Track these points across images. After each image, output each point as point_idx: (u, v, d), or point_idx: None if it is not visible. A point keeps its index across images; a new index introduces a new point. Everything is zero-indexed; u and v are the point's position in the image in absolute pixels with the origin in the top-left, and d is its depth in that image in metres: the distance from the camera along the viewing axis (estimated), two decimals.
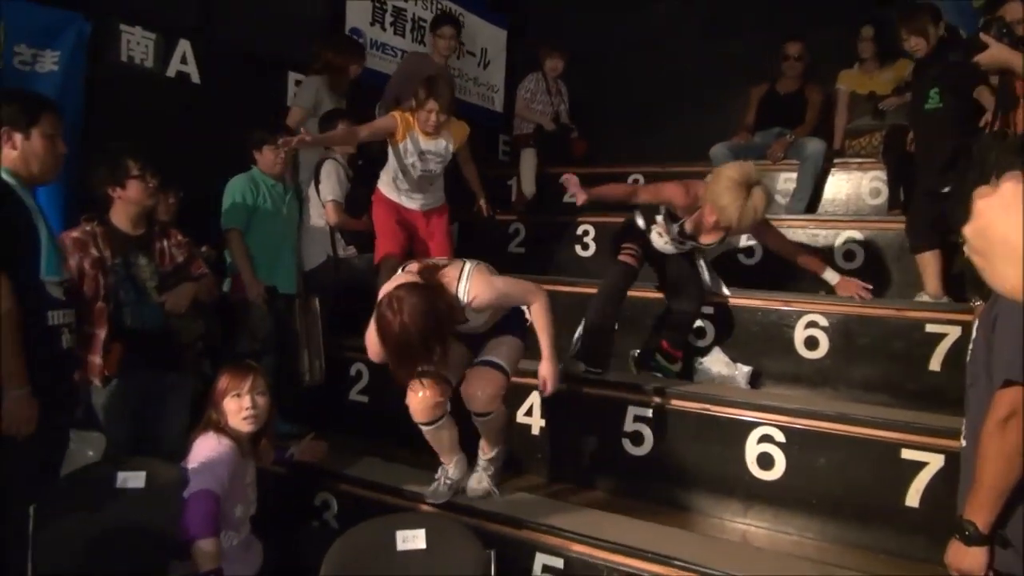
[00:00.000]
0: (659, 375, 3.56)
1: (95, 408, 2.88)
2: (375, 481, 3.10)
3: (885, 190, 4.52)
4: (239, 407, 2.50)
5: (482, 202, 4.52)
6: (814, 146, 4.68)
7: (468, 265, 2.67)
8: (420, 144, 3.83)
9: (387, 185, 4.01)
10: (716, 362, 3.65)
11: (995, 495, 1.63)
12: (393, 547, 1.96)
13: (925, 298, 3.60)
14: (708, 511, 3.05)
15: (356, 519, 3.04)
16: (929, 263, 3.62)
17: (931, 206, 3.53)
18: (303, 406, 3.88)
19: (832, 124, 5.04)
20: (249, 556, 2.53)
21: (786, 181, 4.87)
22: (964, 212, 2.95)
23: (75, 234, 2.88)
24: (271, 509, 2.99)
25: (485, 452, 2.96)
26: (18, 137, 2.41)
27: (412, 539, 1.98)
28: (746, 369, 3.56)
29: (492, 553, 2.06)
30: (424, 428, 2.76)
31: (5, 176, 2.38)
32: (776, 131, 4.96)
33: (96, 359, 2.82)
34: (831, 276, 3.52)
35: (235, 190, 3.71)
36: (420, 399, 2.67)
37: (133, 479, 2.28)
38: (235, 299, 3.69)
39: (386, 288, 2.53)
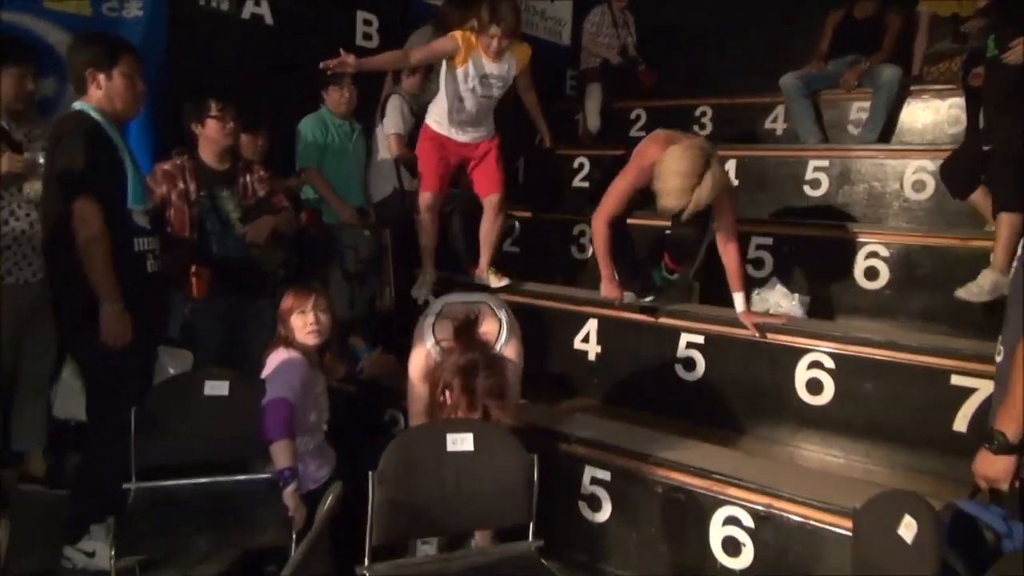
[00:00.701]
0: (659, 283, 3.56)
1: (188, 327, 3.19)
2: None
3: (964, 117, 4.34)
4: (304, 323, 2.68)
5: (543, 133, 4.48)
6: (890, 73, 4.51)
7: (505, 328, 2.67)
8: (484, 67, 3.70)
9: (439, 117, 3.88)
10: (774, 293, 3.67)
11: None
12: (444, 447, 2.12)
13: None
14: (756, 434, 3.14)
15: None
16: (981, 203, 3.46)
17: (971, 159, 3.40)
18: (377, 330, 4.12)
19: (912, 49, 4.84)
20: (323, 460, 2.77)
21: (859, 111, 4.73)
22: (1006, 175, 2.88)
23: (166, 166, 3.14)
24: (343, 425, 3.26)
25: None
26: (101, 77, 2.63)
27: (461, 441, 2.13)
28: (804, 299, 3.58)
29: (535, 457, 2.16)
30: None
31: (93, 113, 2.61)
32: (851, 58, 4.79)
33: (186, 283, 3.09)
34: (739, 303, 3.17)
35: (306, 130, 3.90)
36: None
37: (218, 387, 2.54)
38: (313, 232, 3.90)
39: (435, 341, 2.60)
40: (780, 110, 5.01)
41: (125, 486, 2.44)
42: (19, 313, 2.97)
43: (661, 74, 5.73)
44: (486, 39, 3.59)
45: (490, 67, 3.70)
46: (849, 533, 2.05)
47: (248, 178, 3.31)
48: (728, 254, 3.17)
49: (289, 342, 2.68)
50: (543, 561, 2.17)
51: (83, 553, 2.66)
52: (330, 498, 1.97)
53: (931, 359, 2.78)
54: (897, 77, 4.49)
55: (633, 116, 5.52)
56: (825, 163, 4.23)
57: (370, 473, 2.02)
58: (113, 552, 2.22)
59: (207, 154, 3.21)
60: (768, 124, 5.07)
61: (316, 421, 2.77)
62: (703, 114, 5.31)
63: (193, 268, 3.11)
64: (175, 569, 2.68)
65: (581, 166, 5.26)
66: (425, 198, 3.88)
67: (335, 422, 2.91)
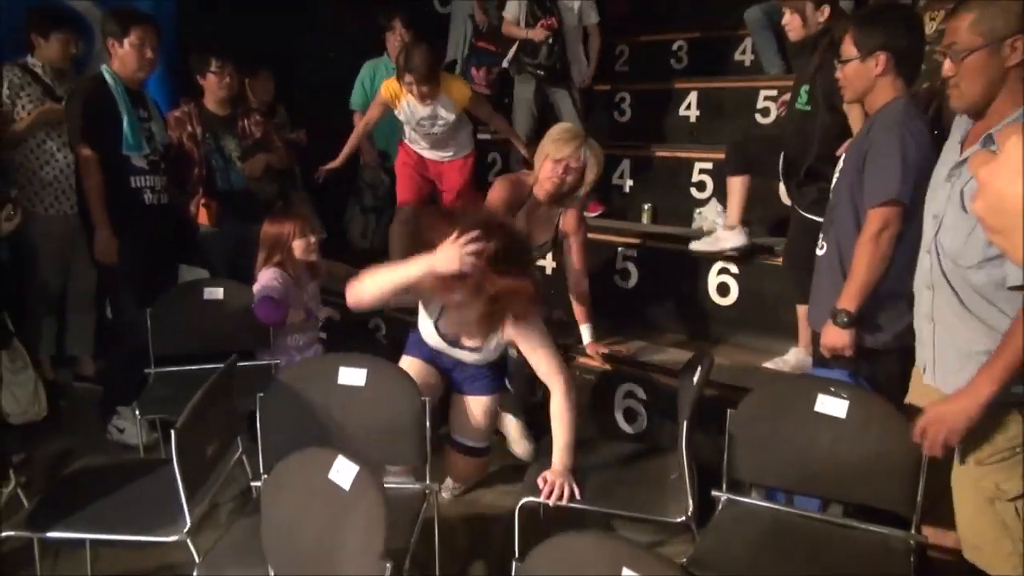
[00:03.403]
0: None
1: (202, 250, 3.85)
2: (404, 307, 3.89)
3: None
4: (306, 244, 3.18)
5: (522, 151, 4.09)
6: (846, 3, 4.77)
7: None
8: (417, 112, 3.75)
9: (407, 137, 4.00)
10: (711, 211, 4.13)
11: (865, 288, 2.09)
12: (334, 379, 2.20)
13: None
14: (677, 330, 3.65)
15: (399, 336, 3.93)
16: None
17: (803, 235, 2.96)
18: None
19: None
20: (309, 354, 3.41)
21: None
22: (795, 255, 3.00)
23: (176, 113, 3.75)
24: (338, 336, 3.90)
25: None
26: (116, 45, 3.27)
27: (352, 376, 2.20)
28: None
29: (427, 401, 2.18)
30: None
31: (107, 75, 3.27)
32: None
33: (198, 211, 3.74)
34: (586, 335, 3.18)
35: (360, 76, 4.47)
36: (462, 475, 2.84)
37: (214, 293, 3.20)
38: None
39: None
40: (749, 42, 5.30)
41: (146, 371, 3.13)
42: (62, 240, 3.66)
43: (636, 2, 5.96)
44: (407, 88, 3.63)
45: (422, 111, 3.74)
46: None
47: (246, 121, 3.89)
48: (578, 285, 3.13)
49: (281, 263, 3.14)
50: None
51: (116, 428, 3.41)
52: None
53: None
54: (852, 6, 4.75)
55: (617, 52, 5.88)
56: (773, 92, 4.58)
57: (257, 396, 2.20)
58: (137, 410, 2.88)
59: (210, 101, 3.80)
60: (738, 56, 5.39)
61: (303, 322, 3.39)
62: (680, 48, 5.64)
63: (203, 200, 3.76)
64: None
65: None
66: (400, 211, 4.05)
67: (328, 329, 3.54)
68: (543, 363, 2.33)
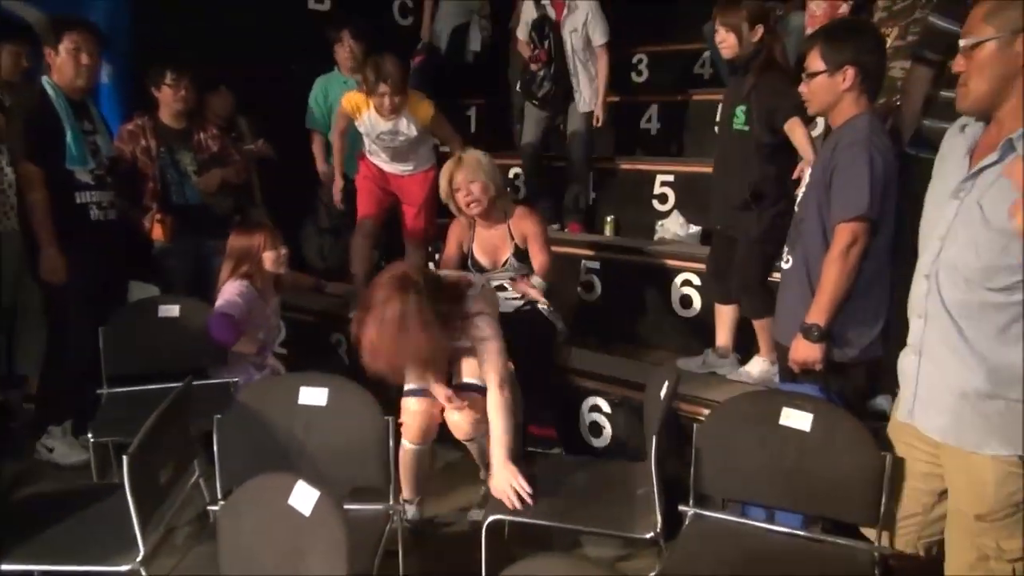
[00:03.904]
0: None
1: (157, 266, 3.75)
2: None
3: None
4: (277, 255, 3.15)
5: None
6: (798, 20, 4.84)
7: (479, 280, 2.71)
8: (378, 126, 3.68)
9: (367, 149, 3.93)
10: (673, 223, 4.16)
11: (835, 303, 2.09)
12: (295, 399, 2.16)
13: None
14: (641, 341, 3.66)
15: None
16: (723, 319, 3.17)
17: (722, 249, 3.12)
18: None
19: None
20: (267, 371, 3.33)
21: None
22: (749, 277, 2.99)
23: (129, 127, 3.65)
24: (300, 351, 3.83)
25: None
26: (52, 53, 3.15)
27: (313, 395, 2.15)
28: (695, 229, 4.06)
29: (390, 420, 2.15)
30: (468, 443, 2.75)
31: (46, 85, 3.15)
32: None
33: (152, 227, 3.64)
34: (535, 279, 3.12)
35: (312, 93, 4.37)
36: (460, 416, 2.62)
37: (170, 310, 3.12)
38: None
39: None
40: (708, 55, 5.37)
41: (98, 391, 3.02)
42: (12, 255, 3.53)
43: None
44: (377, 99, 3.53)
45: (383, 125, 3.67)
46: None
47: (202, 135, 3.80)
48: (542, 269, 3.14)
49: (248, 274, 3.09)
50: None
51: (45, 448, 3.28)
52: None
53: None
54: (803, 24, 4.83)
55: None
56: None
57: (215, 418, 2.15)
58: (91, 436, 2.79)
59: (165, 115, 3.70)
60: (696, 69, 5.45)
61: (264, 337, 3.31)
62: (639, 61, 5.70)
63: (157, 215, 3.66)
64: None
65: None
66: (362, 225, 3.97)
67: (290, 342, 3.48)
68: (485, 355, 2.42)
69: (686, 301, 3.55)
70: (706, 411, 2.64)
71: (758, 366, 3.02)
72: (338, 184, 4.06)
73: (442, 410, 2.63)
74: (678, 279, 3.56)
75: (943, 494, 1.80)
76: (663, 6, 5.55)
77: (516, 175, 4.91)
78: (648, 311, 3.67)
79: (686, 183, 4.22)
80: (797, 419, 1.99)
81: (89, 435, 2.81)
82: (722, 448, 2.08)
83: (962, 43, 1.64)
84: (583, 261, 3.86)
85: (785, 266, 2.36)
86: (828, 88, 2.14)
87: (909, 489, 1.88)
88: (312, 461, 2.16)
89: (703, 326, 3.46)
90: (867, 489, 1.92)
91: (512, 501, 2.17)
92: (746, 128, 2.91)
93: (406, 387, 2.63)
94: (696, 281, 3.51)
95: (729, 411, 2.12)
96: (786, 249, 2.37)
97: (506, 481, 2.21)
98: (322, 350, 4.03)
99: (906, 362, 1.82)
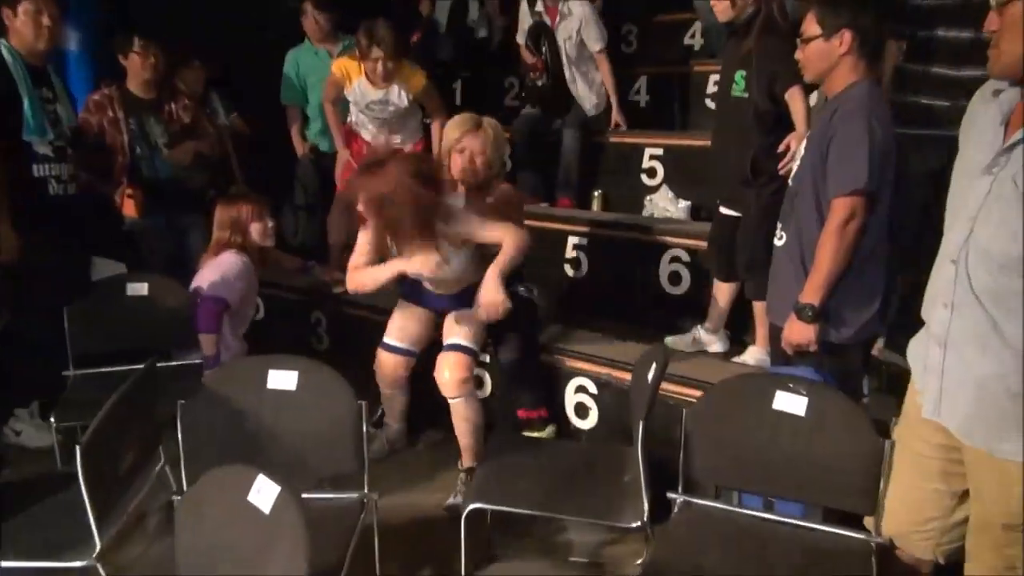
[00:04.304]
0: None
1: (131, 242, 3.61)
2: (352, 300, 3.73)
3: None
4: (264, 227, 3.07)
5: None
6: None
7: None
8: (368, 95, 3.56)
9: (354, 120, 3.81)
10: (662, 198, 4.05)
11: (830, 281, 1.99)
12: (263, 383, 2.05)
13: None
14: (628, 319, 3.54)
15: (341, 330, 3.77)
16: (720, 296, 3.05)
17: (722, 226, 2.99)
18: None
19: None
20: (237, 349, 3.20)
21: None
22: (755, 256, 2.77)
23: (96, 96, 3.48)
24: (279, 324, 3.71)
25: (463, 463, 2.83)
26: (9, 13, 2.96)
27: (283, 379, 2.05)
28: (685, 204, 3.95)
29: (363, 404, 2.05)
30: (452, 401, 2.75)
31: (3, 50, 2.95)
32: None
33: (123, 201, 3.50)
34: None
35: (285, 68, 4.18)
36: (450, 374, 2.70)
37: (138, 288, 2.99)
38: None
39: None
40: (698, 26, 5.22)
41: (64, 373, 2.90)
42: None
43: None
44: (371, 64, 3.43)
45: (373, 94, 3.56)
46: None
47: (174, 106, 3.63)
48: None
49: (242, 246, 3.02)
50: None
51: (13, 431, 3.16)
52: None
53: None
54: None
55: None
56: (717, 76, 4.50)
57: (179, 404, 2.05)
58: (53, 420, 2.70)
59: (134, 84, 3.54)
60: (687, 40, 5.31)
61: (253, 315, 3.24)
62: (628, 32, 5.54)
63: (128, 190, 3.51)
64: None
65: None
66: (339, 201, 3.84)
67: (269, 320, 3.37)
68: (493, 227, 2.65)
69: (675, 278, 3.44)
70: (696, 393, 2.54)
71: (754, 356, 2.91)
72: (343, 156, 3.81)
73: (414, 368, 2.95)
74: (667, 256, 3.45)
75: (964, 495, 1.66)
76: None
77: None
78: (636, 288, 3.56)
79: (676, 157, 4.09)
80: (791, 403, 1.90)
81: (51, 419, 2.70)
82: (713, 433, 1.99)
83: (994, 2, 1.47)
84: (569, 237, 3.74)
85: (778, 243, 2.25)
86: (824, 54, 2.03)
87: (927, 491, 1.71)
88: (281, 448, 2.06)
89: (692, 304, 3.36)
90: (864, 476, 1.83)
91: (495, 313, 2.49)
92: (745, 95, 2.74)
93: (384, 340, 2.93)
94: (685, 258, 3.40)
95: (720, 394, 2.03)
96: (779, 225, 2.26)
97: (495, 291, 2.50)
98: (300, 330, 3.91)
99: (929, 354, 1.63)
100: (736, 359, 2.97)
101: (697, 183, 3.98)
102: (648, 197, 4.09)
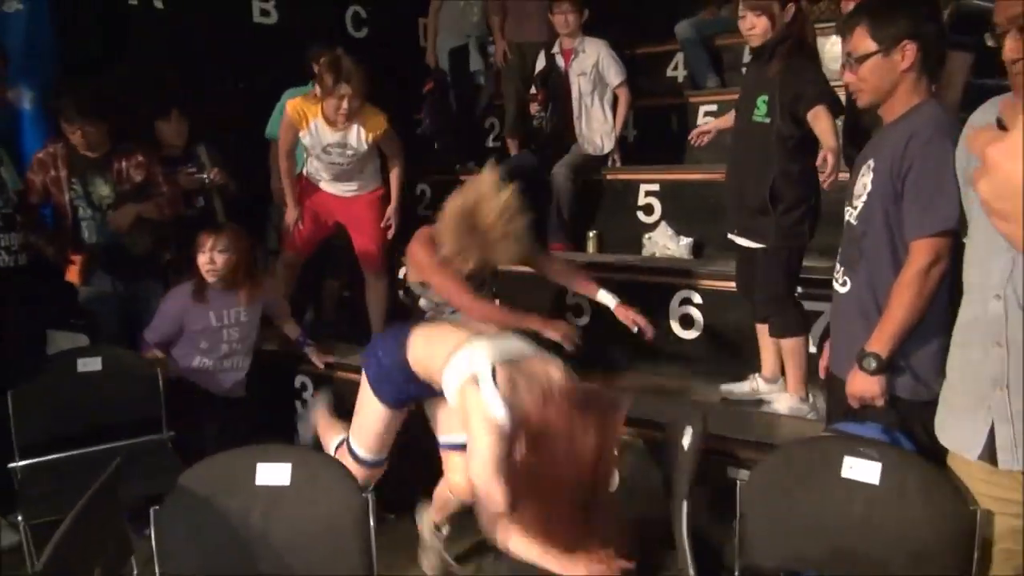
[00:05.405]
0: None
1: (87, 312, 3.28)
2: (341, 364, 3.44)
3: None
4: (204, 261, 2.92)
5: (390, 210, 3.53)
6: None
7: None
8: (325, 138, 3.27)
9: (307, 168, 3.53)
10: (661, 236, 3.83)
11: (903, 331, 1.75)
12: (251, 479, 1.76)
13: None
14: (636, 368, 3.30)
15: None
16: (765, 339, 2.80)
17: (744, 260, 2.80)
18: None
19: None
20: (220, 382, 3.05)
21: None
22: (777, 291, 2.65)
23: (40, 155, 3.18)
24: (258, 388, 3.40)
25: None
26: None
27: (274, 473, 1.76)
28: (687, 241, 3.74)
29: (370, 497, 1.77)
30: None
31: None
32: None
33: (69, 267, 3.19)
34: (608, 299, 2.81)
35: (280, 104, 3.80)
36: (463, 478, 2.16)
37: (90, 363, 2.69)
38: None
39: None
40: (680, 57, 5.09)
41: (11, 465, 2.56)
42: None
43: None
44: (334, 102, 3.13)
45: (331, 136, 3.28)
46: None
47: (124, 163, 3.29)
48: (564, 275, 2.92)
49: (192, 275, 2.96)
50: None
51: None
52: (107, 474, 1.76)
53: None
54: None
55: None
56: (714, 107, 4.35)
57: (151, 511, 1.75)
58: (21, 518, 2.38)
59: (78, 143, 3.21)
60: (669, 72, 5.17)
61: (209, 347, 3.00)
62: None
63: (71, 255, 3.21)
64: None
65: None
66: (284, 256, 3.66)
67: (248, 382, 3.14)
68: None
69: (687, 321, 3.20)
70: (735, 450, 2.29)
71: (785, 403, 2.66)
72: (291, 215, 3.53)
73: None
74: (675, 298, 3.22)
75: None
76: (630, 8, 5.26)
77: None
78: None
79: (672, 192, 3.89)
80: (863, 470, 1.64)
81: (19, 517, 2.39)
82: (772, 508, 1.73)
83: None
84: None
85: (841, 289, 1.97)
86: (884, 71, 1.79)
87: (998, 552, 1.54)
88: (275, 555, 1.76)
89: (710, 348, 3.14)
90: (952, 551, 1.57)
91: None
92: (767, 119, 2.58)
93: (447, 439, 2.30)
94: (697, 299, 3.17)
95: (779, 462, 1.77)
96: (840, 270, 1.98)
97: None
98: (283, 396, 3.59)
99: (991, 397, 1.48)
100: (767, 408, 2.73)
101: (698, 218, 3.80)
102: (647, 235, 3.88)
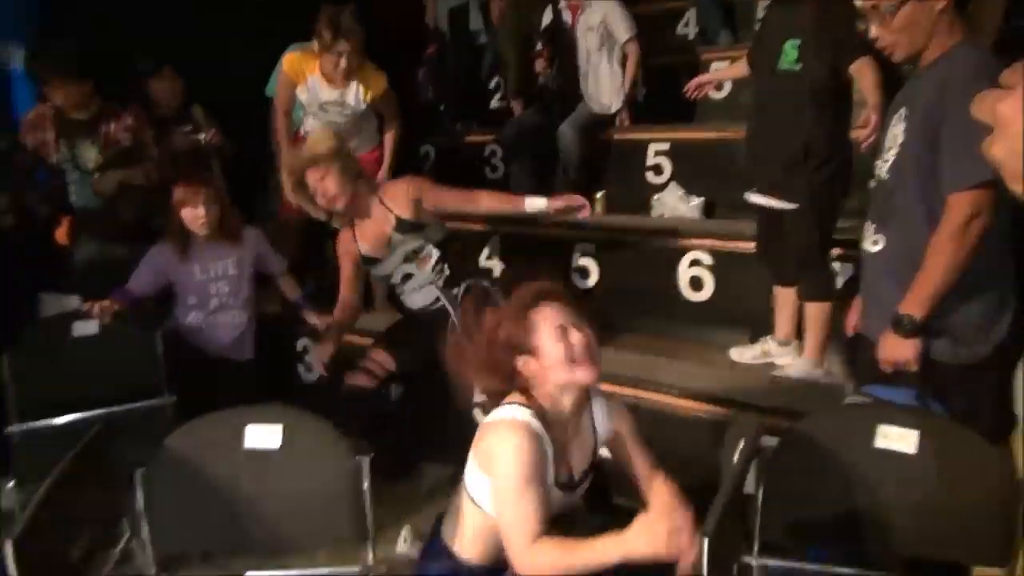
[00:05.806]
0: None
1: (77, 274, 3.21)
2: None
3: None
4: (194, 216, 2.81)
5: (381, 173, 3.46)
6: None
7: None
8: (320, 94, 3.20)
9: (303, 126, 3.48)
10: (671, 196, 3.72)
11: (940, 291, 1.66)
12: (240, 442, 1.69)
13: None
14: (646, 330, 3.22)
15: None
16: (783, 302, 2.73)
17: (768, 221, 2.65)
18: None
19: None
20: (219, 338, 2.96)
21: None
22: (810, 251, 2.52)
23: (30, 116, 3.10)
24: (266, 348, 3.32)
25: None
26: None
27: (264, 436, 1.68)
28: (697, 201, 3.62)
29: (364, 460, 1.69)
30: None
31: None
32: None
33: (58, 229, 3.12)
34: (538, 203, 2.73)
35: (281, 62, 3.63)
36: None
37: (86, 327, 2.61)
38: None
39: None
40: (691, 14, 4.92)
41: (7, 430, 2.51)
42: None
43: None
44: (332, 58, 3.06)
45: (328, 93, 3.21)
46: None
47: (112, 126, 3.18)
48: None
49: (173, 231, 2.83)
50: None
51: None
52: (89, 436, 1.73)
53: None
54: None
55: None
56: (725, 64, 4.19)
57: (137, 472, 1.70)
58: (13, 484, 2.34)
59: (61, 103, 3.09)
60: (680, 29, 5.00)
61: (198, 302, 2.93)
62: None
63: (59, 216, 3.14)
64: None
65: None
66: (283, 218, 3.61)
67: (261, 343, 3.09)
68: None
69: (696, 283, 3.10)
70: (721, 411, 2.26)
71: (800, 367, 2.57)
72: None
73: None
74: (685, 259, 3.12)
75: None
76: None
77: (492, 152, 4.45)
78: (653, 297, 3.22)
79: (682, 151, 3.78)
80: (898, 439, 1.55)
81: (11, 483, 2.35)
82: (797, 482, 1.64)
83: None
84: (575, 244, 3.40)
85: (872, 248, 1.86)
86: (921, 17, 1.64)
87: None
88: (265, 519, 1.70)
89: (719, 310, 3.04)
90: (997, 524, 1.49)
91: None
92: (797, 67, 2.40)
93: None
94: (707, 260, 3.07)
95: (805, 432, 1.67)
96: (871, 228, 1.87)
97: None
98: (288, 354, 3.52)
99: None
100: (777, 372, 2.64)
101: (709, 178, 3.69)
102: (656, 196, 3.76)
